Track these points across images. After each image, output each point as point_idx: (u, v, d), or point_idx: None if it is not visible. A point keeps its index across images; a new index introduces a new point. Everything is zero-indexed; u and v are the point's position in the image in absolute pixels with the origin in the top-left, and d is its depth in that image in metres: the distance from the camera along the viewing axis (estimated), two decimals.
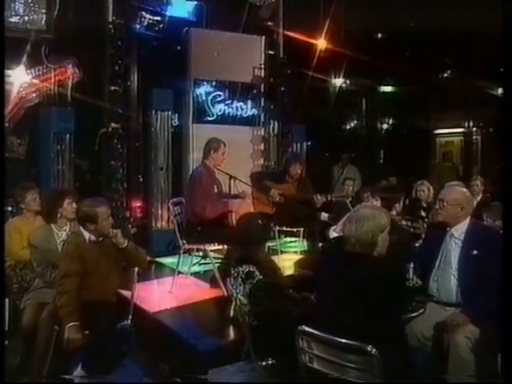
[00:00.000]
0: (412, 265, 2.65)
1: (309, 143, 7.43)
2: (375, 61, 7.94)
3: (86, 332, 2.75)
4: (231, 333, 3.02)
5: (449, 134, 11.40)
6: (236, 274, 2.51)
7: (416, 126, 10.53)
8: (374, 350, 1.78)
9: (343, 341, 1.82)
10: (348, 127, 9.27)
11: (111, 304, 3.01)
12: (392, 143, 10.01)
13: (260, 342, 2.41)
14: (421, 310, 2.57)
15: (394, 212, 3.74)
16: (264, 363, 2.42)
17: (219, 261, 3.88)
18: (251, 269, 2.51)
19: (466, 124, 11.04)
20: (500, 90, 10.00)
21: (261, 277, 2.48)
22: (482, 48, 8.27)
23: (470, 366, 2.48)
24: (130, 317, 3.07)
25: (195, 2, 6.40)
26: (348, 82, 8.39)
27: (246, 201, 4.29)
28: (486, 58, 8.36)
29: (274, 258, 4.57)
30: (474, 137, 11.14)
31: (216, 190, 4.06)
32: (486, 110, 10.46)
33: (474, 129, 11.01)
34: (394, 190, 3.69)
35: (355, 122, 9.29)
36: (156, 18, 6.13)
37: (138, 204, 5.78)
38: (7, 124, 4.79)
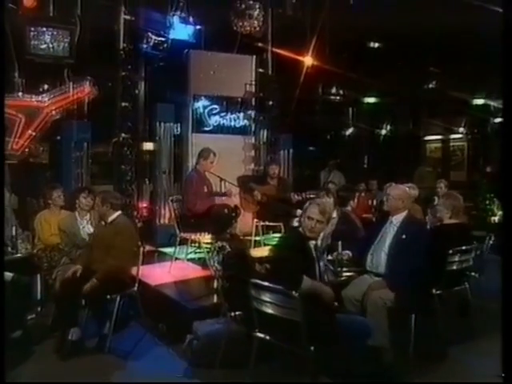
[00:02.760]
0: (340, 242, 3.52)
1: (296, 150, 8.28)
2: (360, 74, 8.80)
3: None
4: (214, 298, 3.91)
5: (437, 140, 12.20)
6: (213, 248, 3.40)
7: (402, 133, 11.36)
8: (296, 293, 2.67)
9: (277, 286, 2.72)
10: (335, 136, 10.13)
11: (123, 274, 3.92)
12: (378, 150, 10.85)
13: (230, 298, 3.31)
14: (350, 274, 3.45)
15: (349, 208, 4.61)
16: (233, 314, 3.31)
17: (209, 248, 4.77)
18: (224, 244, 3.42)
19: (454, 131, 11.83)
20: (482, 101, 10.80)
21: (230, 249, 3.38)
22: (469, 58, 9.09)
23: (383, 319, 3.33)
24: (136, 286, 3.98)
25: (194, 26, 7.32)
26: (334, 94, 9.26)
27: (231, 199, 5.17)
28: (473, 68, 9.18)
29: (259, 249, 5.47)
30: (461, 143, 11.92)
31: (206, 190, 4.96)
32: (473, 118, 11.25)
33: (460, 136, 11.79)
34: (347, 191, 4.56)
35: (342, 130, 10.15)
36: (160, 38, 7.02)
37: (145, 202, 6.71)
38: (36, 134, 5.75)
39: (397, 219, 3.72)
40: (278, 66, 7.65)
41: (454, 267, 3.92)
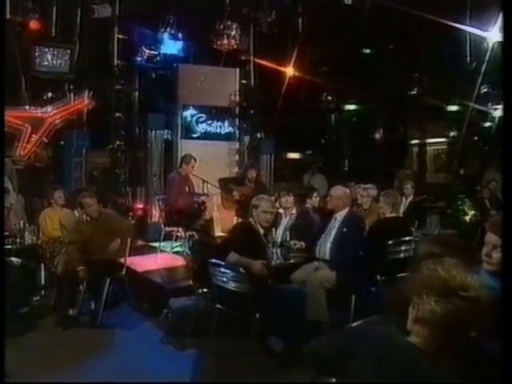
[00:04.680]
0: (288, 233, 4.24)
1: (279, 154, 8.99)
2: (339, 83, 9.47)
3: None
4: (190, 281, 4.62)
5: (422, 144, 12.87)
6: (185, 237, 4.11)
7: (383, 138, 12.03)
8: (243, 270, 3.40)
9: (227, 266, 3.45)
10: (318, 140, 10.84)
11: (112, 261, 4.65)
12: (360, 154, 11.54)
13: (198, 277, 4.03)
14: (297, 259, 4.17)
15: (308, 205, 5.34)
16: (200, 291, 4.04)
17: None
18: (193, 233, 4.15)
19: (438, 135, 12.49)
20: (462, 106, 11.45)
21: (197, 237, 4.11)
22: (450, 67, 9.78)
23: (320, 297, 3.98)
24: (124, 271, 4.71)
25: (183, 42, 8.05)
26: (317, 101, 9.95)
27: (210, 199, 5.89)
28: (455, 76, 9.87)
29: None
30: (443, 147, 12.58)
31: (188, 190, 5.69)
32: (455, 123, 11.90)
33: (443, 140, 12.45)
34: (306, 190, 5.28)
35: (325, 135, 10.86)
36: (153, 52, 7.80)
37: (137, 202, 7.45)
38: (41, 141, 6.52)
39: (340, 215, 4.41)
40: (260, 76, 8.38)
41: (398, 256, 4.60)
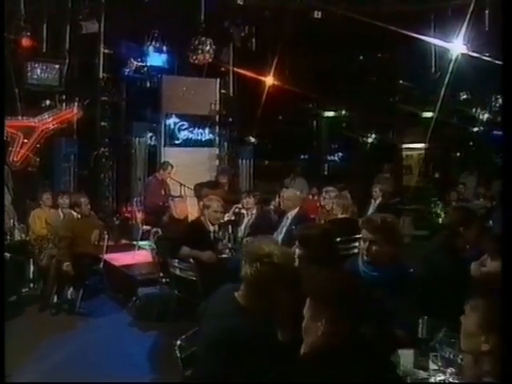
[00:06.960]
0: (247, 231, 4.82)
1: (261, 160, 9.53)
2: (317, 92, 10.02)
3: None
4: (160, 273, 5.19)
5: (410, 148, 13.43)
6: (151, 233, 4.70)
7: (362, 144, 12.60)
8: (193, 261, 3.99)
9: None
10: (299, 146, 11.42)
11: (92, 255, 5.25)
12: (341, 159, 12.12)
13: (163, 269, 4.62)
14: None
15: (271, 207, 5.93)
16: (164, 281, 4.63)
17: None
18: (157, 230, 4.73)
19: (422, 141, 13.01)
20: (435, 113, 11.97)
21: (160, 233, 4.70)
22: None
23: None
24: (102, 264, 5.30)
25: (167, 54, 8.63)
26: (294, 110, 10.51)
27: (183, 200, 6.48)
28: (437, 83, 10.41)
29: None
30: (428, 152, 13.11)
31: (163, 193, 6.29)
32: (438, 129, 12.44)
33: (424, 145, 12.98)
34: (268, 194, 5.87)
35: (306, 141, 11.44)
36: (140, 63, 8.39)
37: (122, 204, 8.04)
38: (32, 148, 7.13)
39: (291, 215, 5.01)
40: (239, 86, 8.94)
41: (346, 252, 5.16)
